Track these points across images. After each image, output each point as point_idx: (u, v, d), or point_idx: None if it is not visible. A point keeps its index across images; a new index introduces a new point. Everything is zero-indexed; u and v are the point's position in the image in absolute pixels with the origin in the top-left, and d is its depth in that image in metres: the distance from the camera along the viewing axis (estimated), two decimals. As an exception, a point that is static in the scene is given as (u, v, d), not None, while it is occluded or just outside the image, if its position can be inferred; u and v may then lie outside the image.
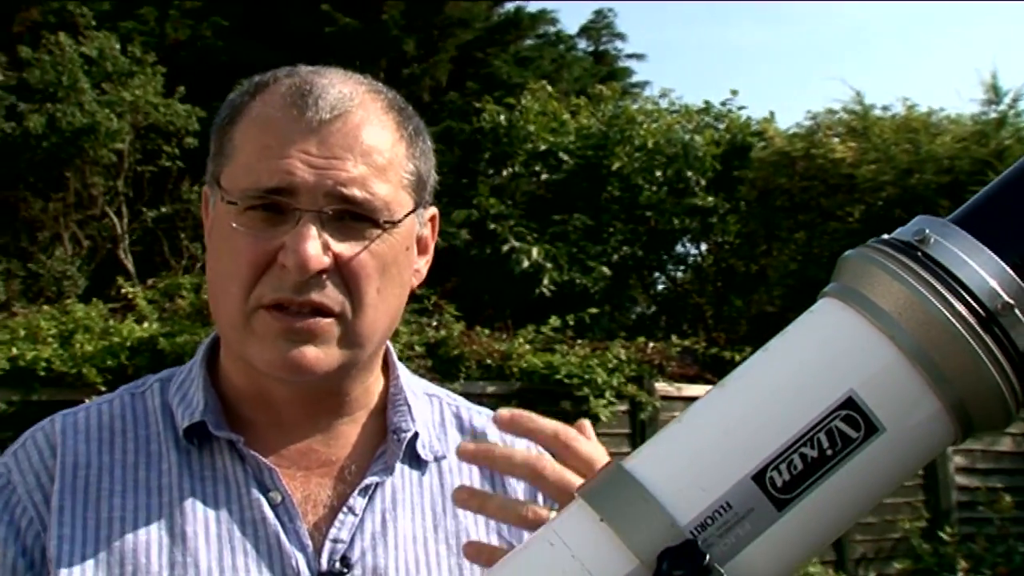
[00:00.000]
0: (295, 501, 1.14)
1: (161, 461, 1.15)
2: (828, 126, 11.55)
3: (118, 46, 12.51)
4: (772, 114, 14.94)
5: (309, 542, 1.12)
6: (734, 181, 12.23)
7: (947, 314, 0.79)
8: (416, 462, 1.21)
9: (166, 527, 1.11)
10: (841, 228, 11.08)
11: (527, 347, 7.69)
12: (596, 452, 1.03)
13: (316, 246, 1.08)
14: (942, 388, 0.80)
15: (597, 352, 7.75)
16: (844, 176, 10.86)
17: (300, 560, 1.10)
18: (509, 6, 17.99)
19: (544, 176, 13.05)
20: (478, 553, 1.01)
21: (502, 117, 12.97)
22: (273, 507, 1.13)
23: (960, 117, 11.46)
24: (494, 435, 1.26)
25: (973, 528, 8.25)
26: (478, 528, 1.20)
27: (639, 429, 7.74)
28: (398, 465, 1.19)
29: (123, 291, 7.50)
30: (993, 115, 11.14)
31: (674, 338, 8.37)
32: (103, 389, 6.52)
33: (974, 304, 0.79)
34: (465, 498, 1.02)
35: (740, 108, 13.29)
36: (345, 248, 1.11)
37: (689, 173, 12.33)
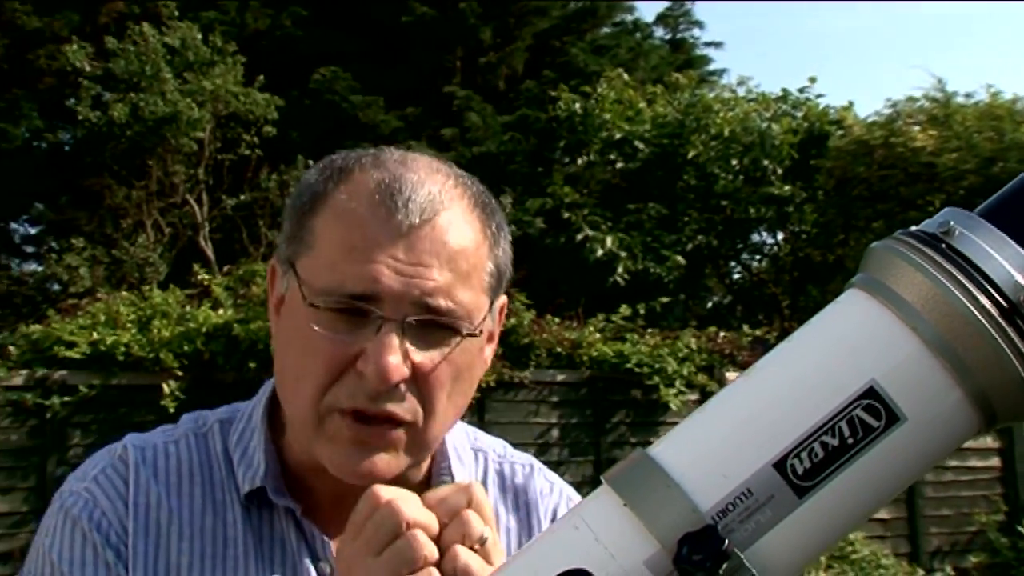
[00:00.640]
0: None
1: (226, 512, 1.17)
2: (908, 114, 11.38)
3: (199, 36, 12.71)
4: (851, 103, 14.74)
5: None
6: (811, 170, 12.09)
7: (969, 306, 0.79)
8: None
9: None
10: (921, 218, 10.78)
11: (597, 336, 7.70)
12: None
13: (397, 357, 1.07)
14: (964, 379, 0.80)
15: (667, 341, 7.73)
16: (924, 165, 10.69)
17: None
18: (586, -6, 17.93)
19: (619, 165, 13.02)
20: None
21: (578, 105, 12.96)
22: None
23: (1048, 104, 11.22)
24: (534, 487, 1.30)
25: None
26: None
27: (710, 419, 7.70)
28: None
29: (199, 278, 7.64)
30: (1082, 102, 10.89)
31: (745, 328, 8.32)
32: (180, 374, 6.67)
33: (997, 296, 0.79)
34: None
35: (818, 96, 13.16)
36: (424, 359, 1.10)
37: (766, 162, 12.22)
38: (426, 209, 1.08)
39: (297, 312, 1.11)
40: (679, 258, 11.86)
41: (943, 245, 0.82)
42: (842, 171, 11.51)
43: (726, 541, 0.79)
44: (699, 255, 12.80)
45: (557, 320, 7.87)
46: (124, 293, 7.54)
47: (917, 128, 11.05)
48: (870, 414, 0.81)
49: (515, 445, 1.40)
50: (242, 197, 12.64)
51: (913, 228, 0.86)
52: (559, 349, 7.50)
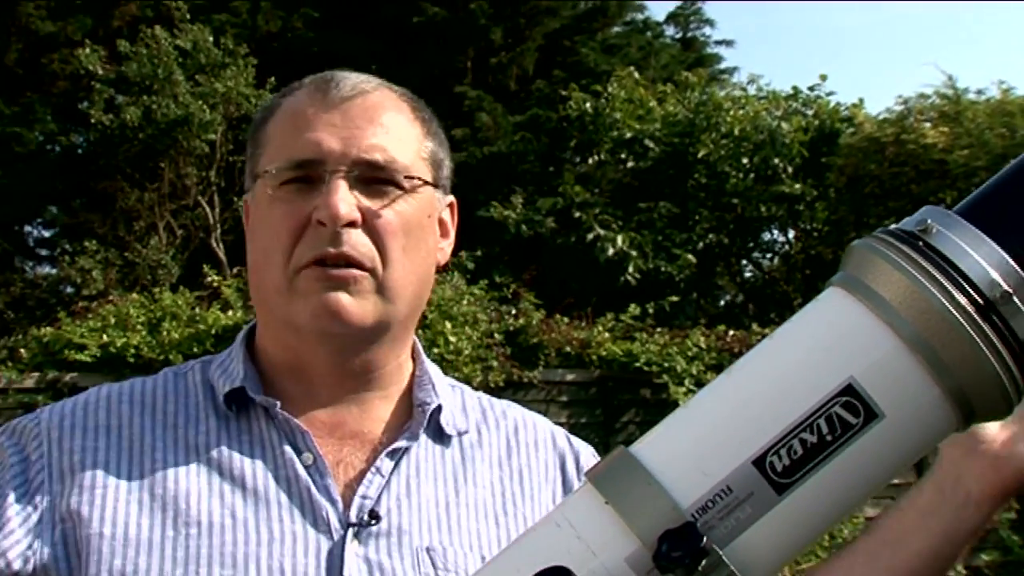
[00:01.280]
0: (326, 463, 1.19)
1: (199, 424, 1.22)
2: (920, 111, 11.33)
3: (211, 38, 12.72)
4: (861, 100, 14.69)
5: (339, 497, 1.17)
6: (822, 168, 12.06)
7: (946, 303, 0.80)
8: (440, 437, 1.27)
9: (205, 479, 1.17)
10: (933, 215, 10.84)
11: (606, 335, 7.70)
12: None
13: (347, 200, 1.17)
14: (942, 376, 0.81)
15: (676, 340, 7.72)
16: (936, 162, 10.65)
17: (330, 512, 1.16)
18: (596, -6, 17.91)
19: (630, 164, 13.00)
20: None
21: (588, 105, 12.94)
22: (305, 467, 1.19)
23: (1061, 100, 11.16)
24: (513, 415, 1.35)
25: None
26: (495, 500, 1.26)
27: (720, 417, 7.70)
28: (423, 437, 1.25)
29: (208, 280, 7.67)
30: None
31: (755, 326, 8.31)
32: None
33: (973, 293, 0.80)
34: None
35: (829, 94, 13.13)
36: (372, 204, 1.20)
37: (776, 160, 12.19)
38: (357, 87, 1.24)
39: (261, 204, 1.24)
40: (690, 257, 11.85)
41: (921, 243, 0.82)
42: (853, 169, 11.48)
43: (704, 538, 0.80)
44: (710, 254, 12.78)
45: (566, 320, 7.88)
46: (134, 295, 7.57)
47: (928, 125, 11.01)
48: (849, 411, 0.81)
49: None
50: (254, 199, 12.66)
51: (892, 226, 0.86)
52: (568, 349, 7.51)
